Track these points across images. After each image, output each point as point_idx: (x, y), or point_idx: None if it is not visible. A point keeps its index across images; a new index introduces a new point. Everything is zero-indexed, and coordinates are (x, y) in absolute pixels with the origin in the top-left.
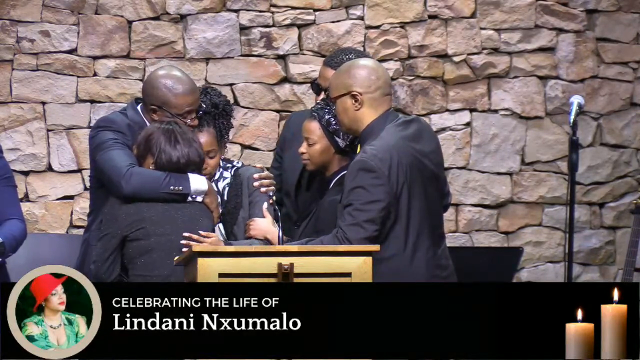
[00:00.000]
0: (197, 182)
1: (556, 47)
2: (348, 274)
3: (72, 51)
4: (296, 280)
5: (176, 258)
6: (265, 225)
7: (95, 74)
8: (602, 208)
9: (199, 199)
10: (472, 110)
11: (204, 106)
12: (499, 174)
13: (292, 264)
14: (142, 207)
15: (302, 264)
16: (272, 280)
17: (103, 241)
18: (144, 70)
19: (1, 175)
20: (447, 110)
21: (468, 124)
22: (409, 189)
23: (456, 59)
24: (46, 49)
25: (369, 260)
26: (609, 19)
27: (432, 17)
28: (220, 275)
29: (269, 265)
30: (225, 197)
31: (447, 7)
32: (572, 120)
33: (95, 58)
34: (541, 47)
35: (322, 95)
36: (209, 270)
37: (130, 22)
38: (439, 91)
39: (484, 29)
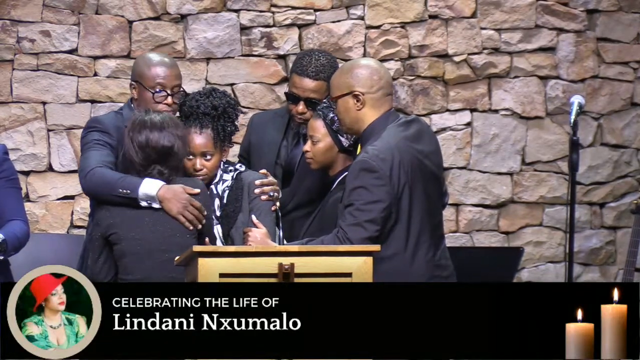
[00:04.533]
0: (147, 187)
1: (557, 47)
2: (348, 274)
3: (72, 51)
4: (297, 280)
5: (177, 258)
6: (262, 238)
7: (95, 74)
8: (603, 208)
9: (156, 205)
10: (472, 110)
11: (194, 100)
12: (499, 174)
13: (292, 264)
14: (114, 211)
15: (303, 264)
16: (273, 280)
17: (91, 244)
18: None
19: (7, 177)
20: (448, 110)
21: (469, 124)
22: (410, 190)
23: (457, 59)
24: (47, 49)
25: (369, 260)
26: (609, 19)
27: (433, 17)
28: (221, 275)
29: (269, 265)
30: (225, 200)
31: (448, 7)
32: (572, 120)
33: (95, 58)
34: (542, 47)
35: (301, 105)
36: (209, 270)
37: (130, 22)
38: (439, 91)
39: (484, 29)
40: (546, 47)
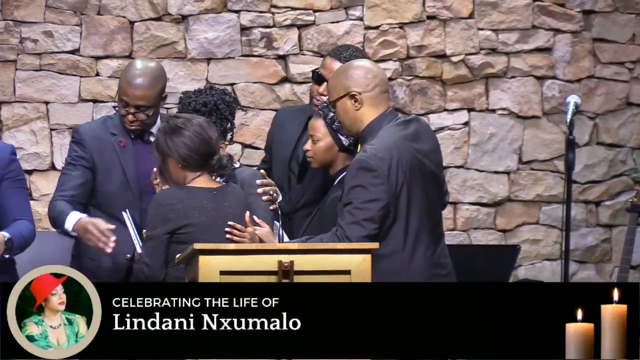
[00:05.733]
0: (68, 223)
1: (553, 48)
2: (347, 272)
3: (74, 51)
4: (296, 277)
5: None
6: (268, 238)
7: (97, 74)
8: (599, 206)
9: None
10: (470, 110)
11: (187, 97)
12: (496, 172)
13: (292, 262)
14: (193, 212)
15: (302, 262)
16: (273, 277)
17: (155, 241)
18: None
19: (14, 177)
20: (446, 110)
21: (466, 124)
22: (408, 189)
23: (454, 59)
24: (49, 49)
25: (368, 258)
26: (605, 19)
27: (431, 17)
28: (222, 272)
29: (269, 262)
30: None
31: (446, 8)
32: (568, 120)
33: (97, 58)
34: (538, 47)
35: (324, 86)
36: (210, 267)
37: (132, 23)
38: (437, 91)
39: (481, 29)
40: (543, 48)
